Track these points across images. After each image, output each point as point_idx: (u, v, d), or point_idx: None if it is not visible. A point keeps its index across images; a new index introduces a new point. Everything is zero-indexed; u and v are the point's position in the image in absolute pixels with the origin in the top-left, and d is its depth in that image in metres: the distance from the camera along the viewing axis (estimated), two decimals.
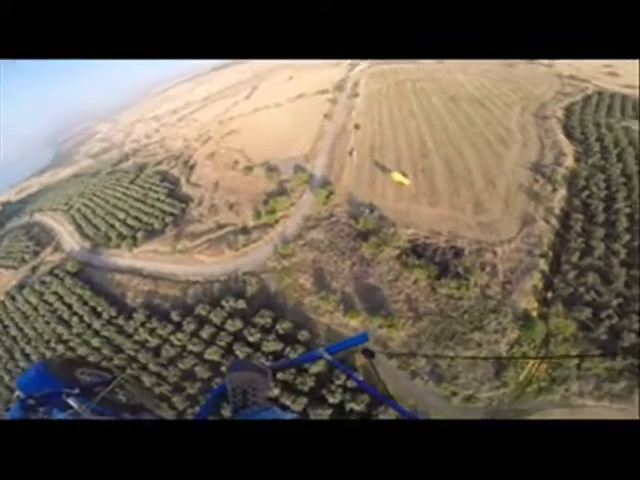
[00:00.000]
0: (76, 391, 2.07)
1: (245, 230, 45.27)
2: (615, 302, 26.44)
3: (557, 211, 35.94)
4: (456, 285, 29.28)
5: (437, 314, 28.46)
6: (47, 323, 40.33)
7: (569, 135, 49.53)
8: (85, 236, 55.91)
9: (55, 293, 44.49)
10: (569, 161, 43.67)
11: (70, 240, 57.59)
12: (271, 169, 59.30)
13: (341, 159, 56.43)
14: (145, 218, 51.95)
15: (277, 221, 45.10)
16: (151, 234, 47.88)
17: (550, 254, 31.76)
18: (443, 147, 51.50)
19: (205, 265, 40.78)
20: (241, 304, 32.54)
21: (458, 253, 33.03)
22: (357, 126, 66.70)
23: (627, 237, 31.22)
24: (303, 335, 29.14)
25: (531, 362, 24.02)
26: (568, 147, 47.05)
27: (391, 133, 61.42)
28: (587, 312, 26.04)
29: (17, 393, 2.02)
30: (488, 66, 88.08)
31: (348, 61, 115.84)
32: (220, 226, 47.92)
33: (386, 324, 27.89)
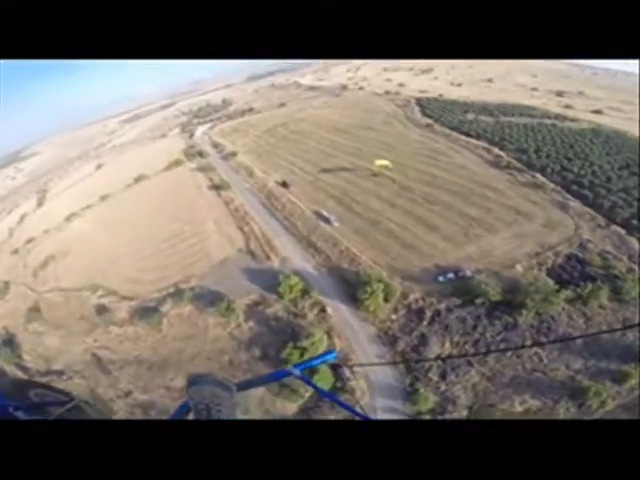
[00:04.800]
0: (25, 406, 1.95)
1: None
2: None
3: (558, 187, 42.27)
4: (631, 284, 28.28)
5: None
6: None
7: (461, 132, 60.34)
8: None
9: None
10: (497, 151, 53.00)
11: None
12: (202, 298, 36.53)
13: (316, 229, 44.26)
14: None
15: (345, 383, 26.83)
16: None
17: (604, 217, 36.53)
18: (399, 174, 50.11)
19: None
20: None
21: (579, 259, 32.35)
22: (285, 184, 54.90)
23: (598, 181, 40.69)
24: None
25: None
26: (474, 140, 57.15)
27: (330, 177, 54.46)
28: None
29: None
30: (321, 99, 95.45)
31: (175, 131, 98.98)
32: None
33: None
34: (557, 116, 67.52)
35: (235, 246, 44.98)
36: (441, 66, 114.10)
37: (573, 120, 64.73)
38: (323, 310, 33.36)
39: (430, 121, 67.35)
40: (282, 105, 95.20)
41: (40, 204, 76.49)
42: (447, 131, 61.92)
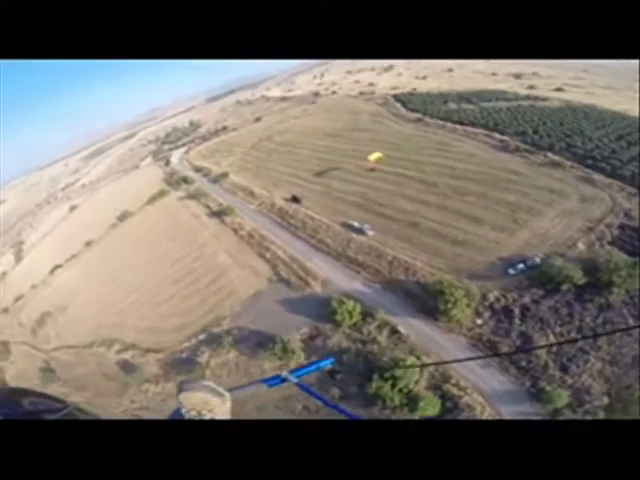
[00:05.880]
0: (18, 413, 1.92)
1: None
2: None
3: (575, 162, 43.53)
4: None
5: None
6: None
7: (454, 121, 60.95)
8: None
9: None
10: (499, 136, 53.90)
11: None
12: (245, 341, 32.32)
13: (350, 243, 41.08)
14: None
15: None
16: None
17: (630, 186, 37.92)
18: (416, 171, 48.91)
19: None
20: None
21: (632, 228, 32.92)
22: (296, 199, 50.90)
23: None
24: None
25: None
26: (470, 128, 57.89)
27: (341, 184, 51.63)
28: None
29: None
30: (298, 108, 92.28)
31: (147, 160, 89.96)
32: None
33: None
34: (528, 97, 71.38)
35: (263, 277, 40.68)
36: (400, 62, 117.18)
37: (544, 99, 68.73)
38: (395, 330, 30.44)
39: (419, 115, 67.53)
40: (258, 120, 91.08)
41: (19, 259, 67.22)
42: (440, 122, 62.30)
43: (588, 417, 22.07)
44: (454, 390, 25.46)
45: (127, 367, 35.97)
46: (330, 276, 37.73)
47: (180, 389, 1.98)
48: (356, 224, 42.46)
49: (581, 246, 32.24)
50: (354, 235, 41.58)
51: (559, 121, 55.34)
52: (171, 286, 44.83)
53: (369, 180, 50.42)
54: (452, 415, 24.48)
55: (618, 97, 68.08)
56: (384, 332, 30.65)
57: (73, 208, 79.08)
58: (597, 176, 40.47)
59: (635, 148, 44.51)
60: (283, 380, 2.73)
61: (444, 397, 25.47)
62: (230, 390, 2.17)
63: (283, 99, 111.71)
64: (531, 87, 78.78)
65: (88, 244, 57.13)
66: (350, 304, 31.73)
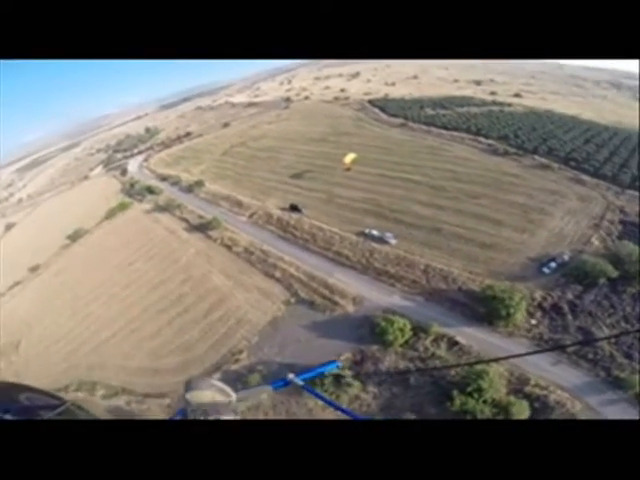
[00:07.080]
0: (14, 409, 1.86)
1: None
2: None
3: (561, 162, 47.50)
4: None
5: None
6: None
7: (438, 126, 63.15)
8: None
9: None
10: (485, 140, 56.89)
11: None
12: (277, 377, 29.48)
13: (373, 253, 39.67)
14: None
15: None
16: None
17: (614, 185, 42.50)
18: (421, 175, 49.38)
19: None
20: None
21: (632, 223, 36.57)
22: (296, 208, 47.80)
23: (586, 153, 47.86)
24: None
25: None
26: (455, 132, 60.38)
27: (343, 190, 49.90)
28: None
29: None
30: (270, 113, 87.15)
31: (97, 170, 75.87)
32: None
33: None
34: (494, 102, 77.36)
35: (277, 299, 36.79)
36: (366, 70, 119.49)
37: (509, 105, 75.13)
38: (454, 342, 29.45)
39: (401, 120, 68.78)
40: (226, 125, 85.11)
41: None
42: (424, 127, 64.07)
43: None
44: (537, 390, 25.18)
45: (124, 415, 30.19)
46: (362, 292, 35.35)
47: (189, 387, 1.96)
48: (375, 232, 40.94)
49: (595, 242, 34.87)
50: (375, 245, 40.00)
51: (531, 125, 60.50)
52: (157, 317, 38.33)
53: (372, 185, 49.47)
54: (544, 414, 24.01)
55: (566, 102, 77.37)
56: (442, 346, 29.41)
57: (10, 226, 66.00)
58: (584, 177, 44.68)
59: (604, 150, 50.37)
60: (289, 383, 2.81)
61: (530, 399, 25.02)
62: (237, 391, 2.17)
63: (250, 105, 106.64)
64: (493, 93, 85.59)
65: (34, 269, 47.30)
66: (400, 321, 29.92)
